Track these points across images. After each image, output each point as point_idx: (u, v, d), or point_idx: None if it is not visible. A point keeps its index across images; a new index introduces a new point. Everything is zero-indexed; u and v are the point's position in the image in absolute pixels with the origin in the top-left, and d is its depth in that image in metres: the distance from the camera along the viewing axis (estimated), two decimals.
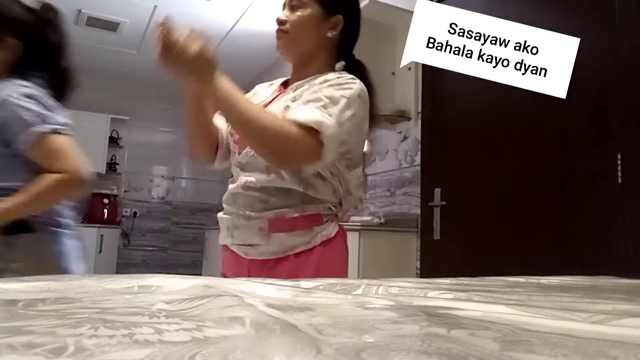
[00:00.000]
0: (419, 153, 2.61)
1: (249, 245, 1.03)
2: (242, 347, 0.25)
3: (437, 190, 2.21)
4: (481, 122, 2.08)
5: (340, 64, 1.18)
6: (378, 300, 0.46)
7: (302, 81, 1.11)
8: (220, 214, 1.11)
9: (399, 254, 2.68)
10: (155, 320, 0.31)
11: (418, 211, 2.49)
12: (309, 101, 0.99)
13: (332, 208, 1.06)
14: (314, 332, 0.30)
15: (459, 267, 2.01)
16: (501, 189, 1.95)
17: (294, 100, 1.04)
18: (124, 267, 5.60)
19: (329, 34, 1.11)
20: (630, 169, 1.52)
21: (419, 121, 2.66)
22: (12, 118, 1.13)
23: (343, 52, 1.17)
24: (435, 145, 2.33)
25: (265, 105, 1.11)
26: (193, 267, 5.77)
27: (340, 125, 0.96)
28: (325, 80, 1.04)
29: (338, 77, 1.04)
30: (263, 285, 0.52)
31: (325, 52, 1.13)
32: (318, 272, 0.98)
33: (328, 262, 1.02)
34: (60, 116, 1.21)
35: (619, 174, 1.53)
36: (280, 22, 1.11)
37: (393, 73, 3.12)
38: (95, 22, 4.43)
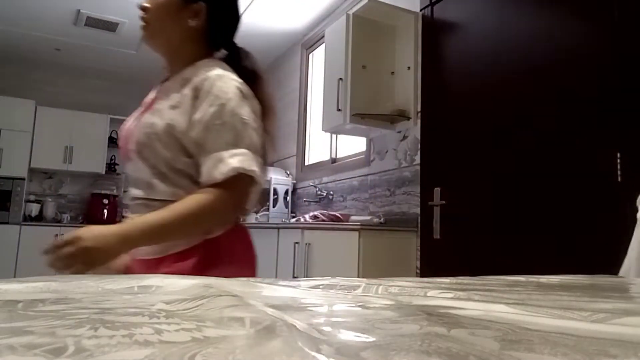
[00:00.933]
0: (419, 152, 2.62)
1: None
2: (242, 347, 0.25)
3: (437, 190, 2.21)
4: (481, 121, 2.08)
5: (221, 53, 1.12)
6: (378, 299, 0.46)
7: (170, 81, 1.08)
8: None
9: (399, 254, 2.68)
10: (155, 321, 0.31)
11: (418, 210, 2.50)
12: (210, 142, 0.94)
13: None
14: (314, 332, 0.30)
15: (458, 267, 2.01)
16: (501, 188, 1.95)
17: (157, 117, 1.00)
18: None
19: (191, 23, 1.05)
20: (630, 168, 1.52)
21: (419, 120, 2.66)
22: None
23: (219, 42, 1.11)
24: (435, 145, 2.33)
25: (145, 110, 1.08)
26: None
27: (252, 143, 0.96)
28: (196, 91, 0.98)
29: (205, 82, 0.98)
30: (263, 285, 0.52)
31: (192, 43, 1.07)
32: (199, 271, 0.96)
33: (210, 261, 0.99)
34: None
35: (619, 173, 1.54)
36: (142, 9, 1.06)
37: (393, 72, 3.12)
38: (94, 23, 4.44)
